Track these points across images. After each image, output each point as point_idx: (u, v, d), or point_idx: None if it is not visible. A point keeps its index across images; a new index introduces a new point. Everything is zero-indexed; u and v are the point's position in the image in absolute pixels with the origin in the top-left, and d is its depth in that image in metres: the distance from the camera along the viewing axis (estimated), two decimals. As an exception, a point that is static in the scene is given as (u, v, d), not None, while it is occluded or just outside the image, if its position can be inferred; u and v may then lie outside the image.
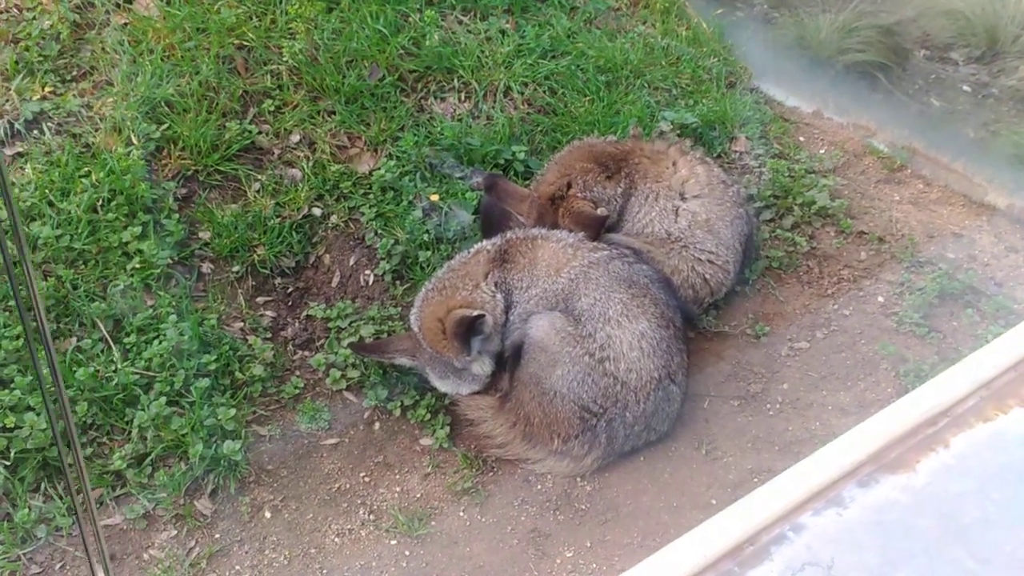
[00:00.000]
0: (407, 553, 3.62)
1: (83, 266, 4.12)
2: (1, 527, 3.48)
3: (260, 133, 4.68)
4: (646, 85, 5.34)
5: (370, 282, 4.44)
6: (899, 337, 4.27)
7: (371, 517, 3.73)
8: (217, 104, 4.65)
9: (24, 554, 3.49)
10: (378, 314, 4.31)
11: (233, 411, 3.84)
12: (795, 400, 4.07)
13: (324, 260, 4.49)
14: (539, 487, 3.85)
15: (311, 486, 3.83)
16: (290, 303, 4.38)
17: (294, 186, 4.58)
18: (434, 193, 4.60)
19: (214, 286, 4.28)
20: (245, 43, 4.88)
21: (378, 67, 4.94)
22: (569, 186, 4.32)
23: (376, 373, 4.10)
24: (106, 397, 3.78)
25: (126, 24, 4.87)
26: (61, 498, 3.61)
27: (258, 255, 4.37)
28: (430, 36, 5.09)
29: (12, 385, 3.70)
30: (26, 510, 3.52)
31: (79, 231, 4.13)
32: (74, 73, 4.70)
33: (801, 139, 5.37)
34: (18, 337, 3.81)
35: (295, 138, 4.72)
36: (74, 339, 3.95)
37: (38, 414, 3.65)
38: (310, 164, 4.63)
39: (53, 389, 3.43)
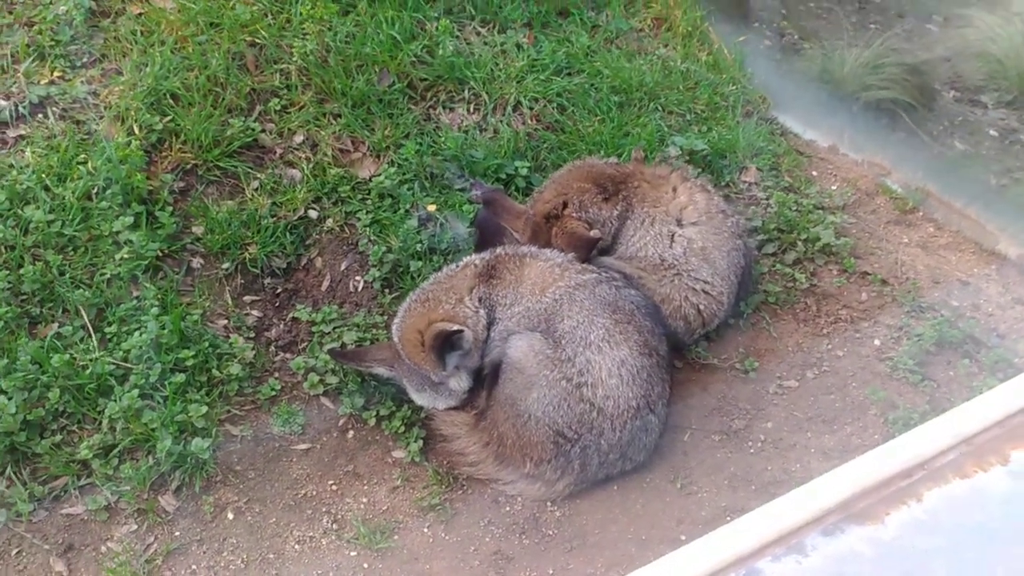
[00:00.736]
0: (366, 566, 3.56)
1: (72, 252, 4.11)
2: (-40, 508, 3.47)
3: (263, 131, 4.66)
4: (660, 108, 5.27)
5: (359, 288, 4.40)
6: (892, 383, 4.16)
7: (334, 526, 3.68)
8: (223, 100, 4.64)
9: (-20, 537, 3.48)
10: (363, 321, 4.27)
11: (205, 408, 3.81)
12: (778, 440, 3.98)
13: (316, 263, 4.45)
14: (507, 509, 3.78)
15: (277, 490, 3.78)
16: (277, 304, 4.34)
17: (293, 187, 4.55)
18: (432, 203, 4.56)
19: (202, 282, 4.26)
20: (257, 40, 4.88)
21: (388, 73, 4.92)
22: (565, 205, 4.25)
23: (354, 381, 4.06)
24: (80, 385, 3.77)
25: (141, 14, 4.89)
26: (25, 484, 3.59)
27: (250, 253, 4.35)
28: (444, 45, 5.05)
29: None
30: (-14, 493, 3.51)
31: (71, 217, 4.13)
32: (84, 60, 4.72)
33: (814, 173, 5.27)
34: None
35: (298, 139, 4.70)
36: (56, 325, 3.94)
37: (9, 398, 3.64)
38: (311, 166, 4.60)
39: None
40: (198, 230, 4.35)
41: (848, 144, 5.49)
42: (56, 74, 4.61)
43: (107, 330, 3.95)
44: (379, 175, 4.62)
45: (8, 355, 3.76)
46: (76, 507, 3.61)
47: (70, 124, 4.43)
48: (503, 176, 4.75)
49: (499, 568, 3.56)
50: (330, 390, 4.07)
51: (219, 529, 3.65)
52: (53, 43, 4.65)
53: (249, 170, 4.54)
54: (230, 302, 4.26)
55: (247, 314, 4.26)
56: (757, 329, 4.45)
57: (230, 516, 3.69)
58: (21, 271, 3.95)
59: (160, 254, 4.21)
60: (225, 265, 4.31)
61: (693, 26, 5.83)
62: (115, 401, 3.75)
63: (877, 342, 4.35)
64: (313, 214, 4.52)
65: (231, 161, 4.52)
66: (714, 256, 4.24)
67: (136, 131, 4.43)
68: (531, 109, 5.03)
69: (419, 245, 4.42)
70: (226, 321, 4.20)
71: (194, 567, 3.53)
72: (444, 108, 4.99)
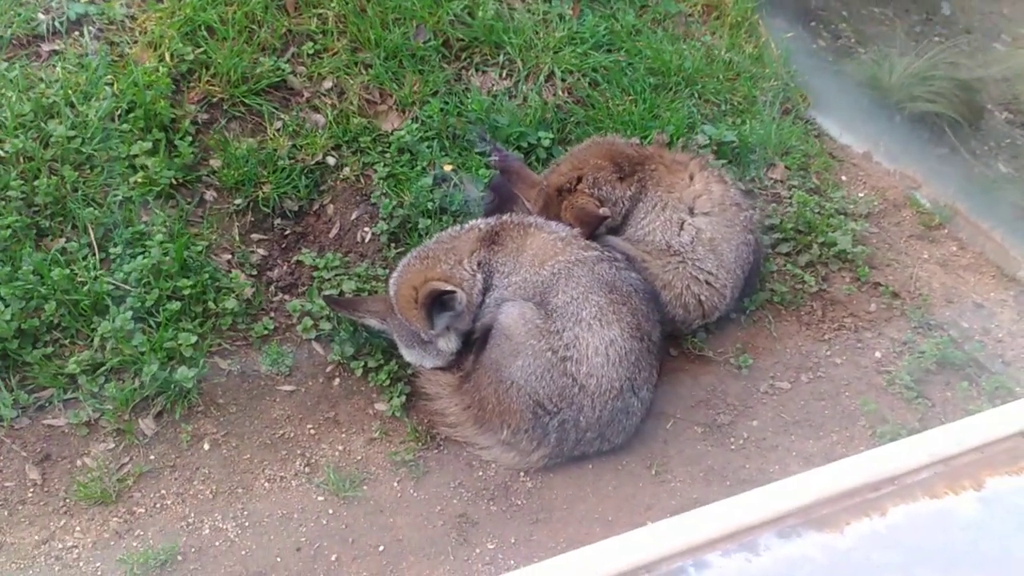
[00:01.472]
0: (331, 511, 3.59)
1: (88, 171, 4.16)
2: (-56, 406, 3.55)
3: (293, 73, 4.67)
4: (696, 95, 5.20)
5: (366, 239, 4.42)
6: (886, 397, 4.10)
7: (306, 469, 3.71)
8: (257, 37, 4.65)
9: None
10: (365, 272, 4.28)
11: (195, 338, 3.85)
12: (761, 439, 3.94)
13: (327, 210, 4.47)
14: (480, 474, 3.79)
15: (256, 428, 3.82)
16: (284, 245, 4.37)
17: (315, 131, 4.56)
18: (449, 163, 4.55)
19: (212, 215, 4.30)
20: (300, -18, 4.88)
21: (424, 29, 4.90)
22: (579, 180, 4.22)
23: (347, 330, 4.07)
24: (77, 301, 3.82)
25: (188, -56, 4.90)
26: (12, 391, 3.65)
27: (263, 192, 4.37)
28: (485, 7, 5.02)
29: (-14, 272, 3.76)
30: (-29, 395, 3.59)
31: (91, 136, 4.17)
32: (127, -17, 4.75)
33: (843, 178, 5.18)
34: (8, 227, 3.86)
35: (327, 84, 4.71)
36: (63, 240, 4.00)
37: (7, 305, 3.70)
38: (335, 112, 4.61)
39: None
40: (215, 163, 4.38)
41: (883, 153, 5.38)
42: (97, -6, 4.66)
43: (112, 251, 4.00)
44: (401, 130, 4.62)
45: (12, 264, 3.83)
46: (58, 419, 3.68)
47: (104, 44, 4.47)
48: (525, 145, 4.72)
49: (462, 531, 3.57)
50: (322, 336, 4.10)
51: (193, 458, 3.70)
52: (98, -37, 4.69)
53: (274, 110, 4.56)
54: (237, 238, 4.29)
55: (252, 252, 4.28)
56: (758, 326, 4.40)
57: (206, 447, 3.74)
58: (36, 183, 4.00)
59: (174, 182, 4.25)
60: (237, 201, 4.34)
61: (743, 16, 5.74)
62: (109, 321, 3.80)
63: (878, 354, 4.28)
64: (331, 161, 4.53)
65: (257, 99, 4.54)
66: (722, 248, 4.19)
67: (167, 59, 4.46)
68: (564, 81, 4.99)
69: (431, 203, 4.42)
70: (230, 256, 4.23)
71: (163, 491, 3.58)
72: (477, 70, 4.96)
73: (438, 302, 3.78)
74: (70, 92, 4.25)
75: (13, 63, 4.30)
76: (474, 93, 4.81)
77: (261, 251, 4.31)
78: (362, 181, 4.53)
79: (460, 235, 3.98)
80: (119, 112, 4.27)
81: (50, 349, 3.77)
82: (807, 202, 4.77)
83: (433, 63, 4.85)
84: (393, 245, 4.40)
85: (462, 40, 4.98)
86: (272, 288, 4.23)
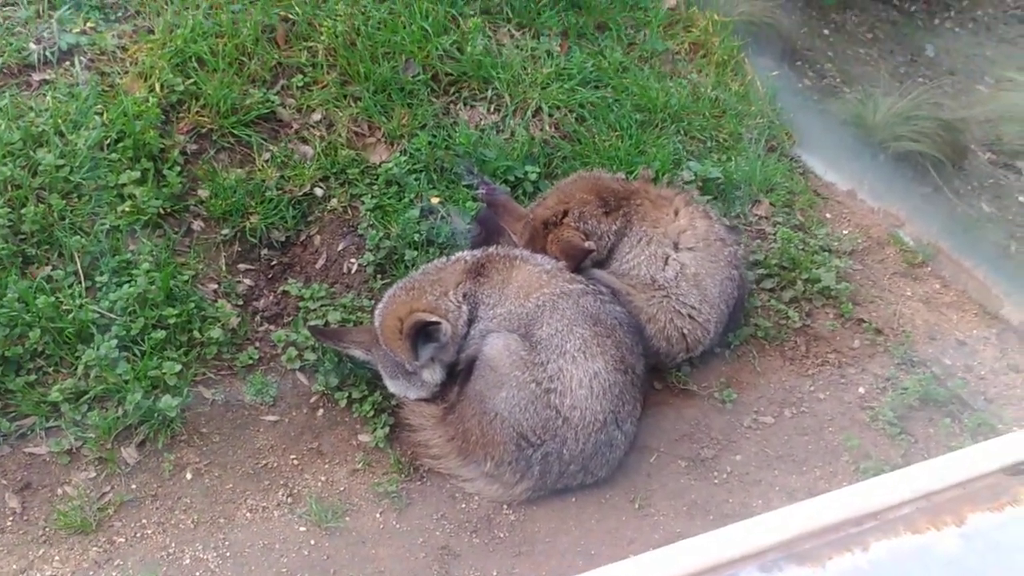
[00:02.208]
0: (312, 542, 3.57)
1: (76, 199, 4.17)
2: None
3: (282, 105, 4.71)
4: (682, 132, 5.26)
5: (352, 270, 4.43)
6: (869, 432, 4.11)
7: (288, 500, 3.70)
8: (247, 69, 4.70)
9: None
10: (351, 303, 4.29)
11: (179, 367, 3.85)
12: (744, 474, 3.94)
13: (314, 240, 4.49)
14: (463, 506, 3.78)
15: (239, 457, 3.81)
16: (270, 275, 4.38)
17: (303, 163, 4.60)
18: (436, 195, 4.58)
19: (200, 244, 4.31)
20: (290, 15, 4.93)
21: (414, 63, 4.95)
22: (565, 214, 4.25)
23: (331, 360, 4.08)
24: (61, 329, 3.82)
25: (181, -23, 4.95)
26: (-6, 418, 3.65)
27: (251, 223, 4.39)
28: (474, 43, 5.07)
29: (-29, 298, 3.76)
30: (-48, 421, 3.58)
31: (80, 164, 4.19)
32: (119, 14, 4.82)
33: (827, 216, 5.23)
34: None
35: (316, 116, 4.75)
36: (48, 267, 4.00)
37: (-7, 331, 3.71)
38: (324, 144, 4.65)
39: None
40: (203, 193, 4.40)
41: (867, 191, 5.44)
42: (89, 24, 4.70)
43: (98, 279, 4.00)
44: (389, 162, 4.65)
45: (-5, 288, 3.83)
46: (40, 447, 3.66)
47: (94, 74, 4.51)
48: (512, 178, 4.76)
49: (444, 563, 3.56)
50: (307, 366, 4.09)
51: (175, 487, 3.68)
52: (91, -6, 4.74)
53: (262, 141, 4.59)
54: (224, 268, 4.30)
55: (239, 281, 4.29)
56: (742, 361, 4.42)
57: (188, 476, 3.72)
58: (23, 210, 4.01)
59: (162, 212, 4.26)
60: (225, 231, 4.36)
61: (729, 55, 5.81)
62: (93, 349, 3.80)
63: (862, 390, 4.30)
64: (319, 192, 4.56)
65: (246, 130, 4.57)
66: (706, 283, 4.22)
67: (157, 89, 4.49)
68: (551, 116, 5.03)
69: (417, 235, 4.44)
70: (216, 285, 4.24)
71: (144, 521, 3.57)
72: (465, 104, 5.01)
73: (423, 333, 3.79)
74: (60, 121, 4.28)
75: (3, 92, 4.33)
76: (462, 127, 4.85)
77: (247, 281, 4.32)
78: (349, 212, 4.55)
79: (446, 267, 4.00)
80: (108, 141, 4.29)
81: (33, 377, 3.76)
82: (791, 238, 4.81)
83: (422, 97, 4.90)
84: (379, 276, 4.41)
85: (451, 75, 5.02)
86: (258, 318, 4.23)
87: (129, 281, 4.01)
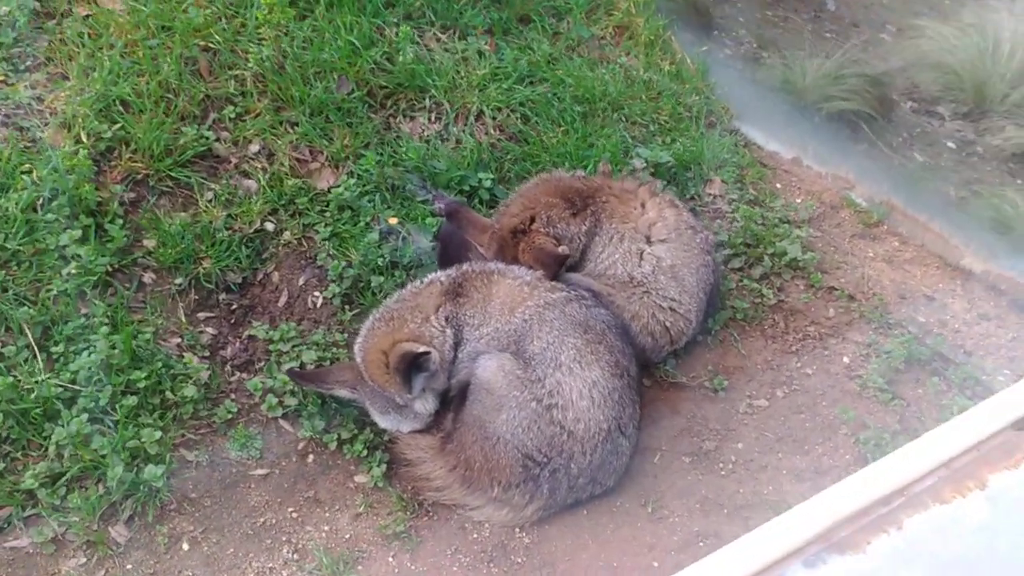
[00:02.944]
0: (329, 598, 3.42)
1: (16, 267, 3.91)
2: None
3: (218, 140, 4.49)
4: (623, 119, 5.19)
5: (318, 304, 4.26)
6: (861, 402, 4.12)
7: (295, 556, 3.54)
8: (175, 107, 4.46)
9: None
10: (323, 340, 4.12)
11: (159, 434, 3.65)
12: (749, 461, 3.91)
13: (272, 278, 4.30)
14: (475, 535, 3.67)
15: (235, 519, 3.63)
16: (233, 321, 4.18)
17: (248, 198, 4.39)
18: (393, 216, 4.43)
19: (154, 298, 4.08)
20: (211, 45, 4.69)
21: (347, 80, 4.77)
22: (532, 220, 4.14)
23: (314, 403, 3.91)
24: (25, 410, 3.58)
25: (88, 16, 4.68)
26: (-32, 513, 3.40)
27: (204, 268, 4.18)
28: (404, 52, 4.91)
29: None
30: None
31: (15, 230, 3.92)
32: (28, 63, 4.50)
33: (778, 186, 5.22)
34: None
35: (254, 148, 4.54)
36: (-1, 345, 3.75)
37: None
38: (267, 176, 4.45)
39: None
40: (150, 243, 4.17)
41: (812, 156, 5.45)
42: (-2, 78, 4.40)
43: (53, 350, 3.76)
44: (338, 186, 4.48)
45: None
46: (21, 540, 3.43)
47: (13, 131, 4.22)
48: (467, 188, 4.63)
49: (468, 599, 3.45)
50: (289, 412, 3.92)
51: (174, 561, 3.49)
52: (-5, 45, 4.44)
53: (203, 180, 4.37)
54: (183, 319, 4.09)
55: (201, 332, 4.09)
56: (725, 346, 4.38)
57: (185, 547, 3.53)
58: (-39, 287, 3.75)
59: (110, 269, 4.02)
60: (178, 280, 4.14)
61: (655, 35, 5.74)
62: (62, 426, 3.57)
63: (846, 359, 4.30)
64: (270, 227, 4.36)
65: (184, 171, 4.34)
66: (683, 274, 4.16)
67: (84, 139, 4.24)
68: (494, 119, 4.91)
69: (380, 259, 4.29)
70: (179, 339, 4.03)
71: (147, 602, 3.37)
72: (405, 117, 4.85)
73: (413, 365, 3.64)
74: (-15, 186, 4.00)
75: (-82, 162, 4.03)
76: (406, 140, 4.70)
77: (210, 330, 4.12)
78: (305, 244, 4.38)
79: (421, 291, 3.86)
80: (41, 201, 4.02)
81: (1, 465, 3.52)
82: (751, 215, 4.79)
83: (360, 114, 4.73)
84: (348, 307, 4.25)
85: (386, 87, 4.86)
86: (228, 368, 4.04)
87: (88, 348, 3.78)
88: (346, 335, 4.14)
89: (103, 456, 3.55)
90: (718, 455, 3.94)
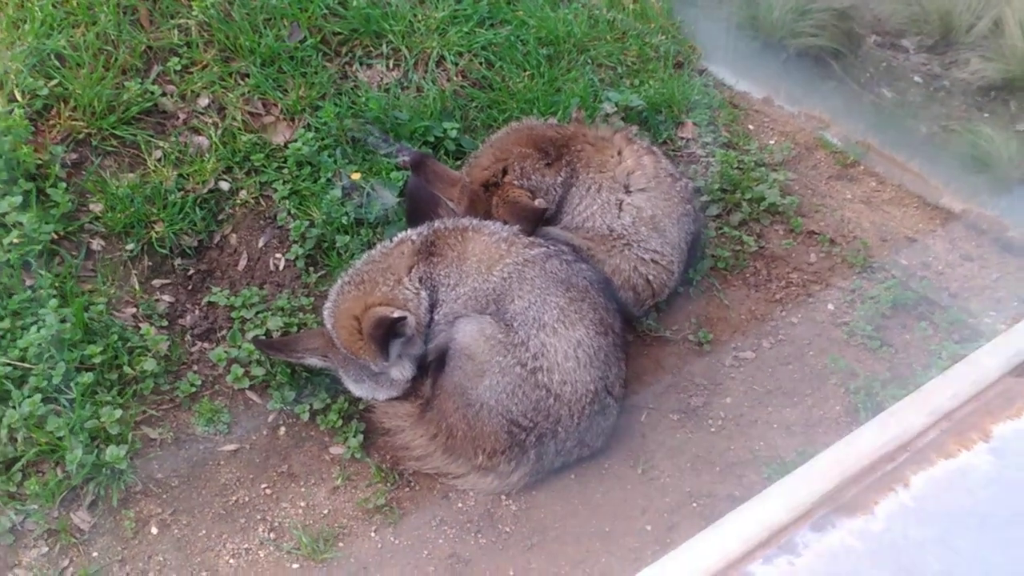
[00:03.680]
0: (309, 579, 3.25)
1: (-48, 240, 3.63)
2: None
3: (164, 95, 4.21)
4: (590, 61, 4.97)
5: (280, 267, 4.03)
6: (849, 350, 4.00)
7: (271, 536, 3.35)
8: (116, 60, 4.16)
9: None
10: (288, 304, 3.90)
11: (119, 412, 3.42)
12: (738, 416, 3.78)
13: (230, 240, 4.05)
14: (459, 505, 3.51)
15: (205, 498, 3.43)
16: (190, 287, 3.94)
17: (200, 156, 4.13)
18: (356, 171, 4.19)
19: (104, 266, 3.82)
20: (150, -8, 4.39)
21: (299, 27, 4.49)
22: (505, 172, 3.94)
23: (283, 372, 3.70)
24: (-29, 393, 3.33)
25: (15, -37, 4.34)
26: (-85, 508, 3.16)
27: (156, 232, 3.92)
28: (357, -6, 4.64)
29: None
30: None
31: (-51, 199, 3.64)
32: (-48, 17, 4.17)
33: (751, 127, 5.06)
34: None
35: (203, 102, 4.26)
36: (-62, 323, 3.48)
37: None
38: (219, 132, 4.18)
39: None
40: (96, 208, 3.89)
41: (783, 96, 5.29)
42: (-80, 33, 4.07)
43: (0, 326, 3.50)
44: (295, 141, 4.23)
45: None
46: (-25, 532, 3.20)
47: (-60, 91, 3.91)
48: (431, 139, 4.40)
49: (456, 572, 3.29)
50: (256, 383, 3.71)
51: (143, 546, 3.29)
52: (-87, -2, 4.09)
53: (150, 138, 4.09)
54: (138, 288, 3.84)
55: (158, 300, 3.84)
56: (708, 297, 4.23)
57: (154, 531, 3.33)
58: None
59: (55, 237, 3.76)
60: (129, 246, 3.87)
61: (617, -29, 5.51)
62: (14, 408, 3.33)
63: (831, 306, 4.18)
64: (224, 186, 4.11)
65: (129, 129, 4.06)
66: (664, 224, 3.99)
67: (18, 97, 3.94)
68: (456, 64, 4.67)
69: (345, 217, 4.06)
70: (135, 309, 3.78)
71: (116, 591, 3.17)
72: (361, 64, 4.59)
73: (389, 331, 3.44)
74: (-87, 152, 3.69)
75: None
76: (365, 90, 4.45)
77: (167, 298, 3.87)
78: (263, 203, 4.13)
79: (392, 251, 3.64)
80: (-24, 167, 3.73)
81: (-50, 453, 3.27)
82: (727, 159, 4.62)
83: (315, 63, 4.46)
84: (312, 269, 4.03)
85: (340, 34, 4.59)
86: (188, 338, 3.80)
87: (36, 322, 3.52)
88: (313, 299, 3.93)
89: (60, 438, 3.32)
90: (707, 411, 3.80)
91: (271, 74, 4.36)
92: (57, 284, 3.65)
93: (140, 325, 3.72)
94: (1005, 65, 5.17)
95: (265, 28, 4.44)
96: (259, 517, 3.40)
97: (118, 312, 3.74)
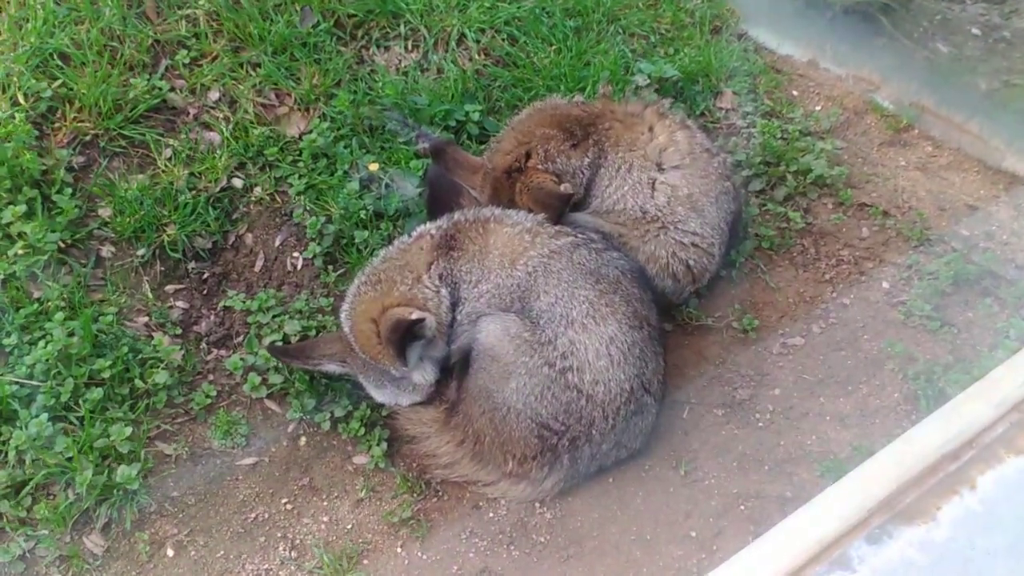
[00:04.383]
0: (333, 600, 3.08)
1: (-45, 252, 3.50)
2: None
3: (172, 90, 4.05)
4: (621, 31, 4.71)
5: (298, 267, 3.85)
6: (907, 332, 3.72)
7: (292, 555, 3.19)
8: (122, 56, 4.00)
9: None
10: (306, 306, 3.72)
11: (129, 429, 3.27)
12: (788, 409, 3.53)
13: (246, 240, 3.88)
14: (490, 515, 3.31)
15: (223, 516, 3.28)
16: (205, 292, 3.78)
17: (212, 152, 3.96)
18: (373, 161, 4.00)
19: (115, 273, 3.68)
20: (155, -17, 4.21)
21: (311, 11, 4.30)
22: (528, 156, 3.70)
23: (302, 379, 3.53)
24: (-23, 414, 3.20)
25: (16, -40, 4.18)
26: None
27: (168, 235, 3.76)
28: (372, -26, 4.42)
29: None
30: None
31: (-49, 211, 3.50)
32: (-48, 19, 4.03)
33: (795, 93, 4.76)
34: None
35: (214, 96, 4.09)
36: (-58, 341, 3.35)
37: None
38: (230, 126, 4.02)
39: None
40: (105, 213, 3.75)
41: (829, 57, 4.97)
42: (-81, 38, 3.93)
43: (5, 342, 3.37)
44: (310, 132, 4.05)
45: None
46: (-16, 560, 3.07)
47: (-59, 98, 3.78)
48: (453, 123, 4.19)
49: (488, 588, 3.10)
50: (275, 391, 3.55)
51: (158, 569, 3.14)
52: (-88, 0, 3.96)
53: (159, 137, 3.93)
54: (150, 295, 3.68)
55: (171, 307, 3.69)
56: (752, 280, 3.98)
57: (170, 552, 3.18)
58: None
59: (62, 245, 3.63)
60: (140, 251, 3.73)
61: (648, -67, 5.22)
62: (21, 428, 3.20)
63: (886, 284, 3.90)
64: (238, 183, 3.94)
65: (137, 128, 3.91)
66: (702, 203, 3.73)
67: (21, 101, 3.80)
68: (478, 42, 4.44)
69: (363, 212, 3.88)
70: (147, 318, 3.63)
71: (132, 619, 3.03)
72: (378, 47, 4.38)
73: (407, 333, 3.24)
74: (-87, 162, 3.56)
75: None
76: (382, 74, 4.25)
77: (181, 304, 3.72)
78: (278, 199, 3.95)
79: (410, 247, 3.43)
80: (-24, 176, 3.59)
81: (-45, 478, 3.15)
82: (769, 129, 4.34)
83: (329, 49, 4.26)
84: (331, 268, 3.86)
85: (355, 16, 4.39)
86: (203, 346, 3.65)
87: (44, 336, 3.39)
88: (332, 299, 3.74)
89: (69, 459, 3.18)
90: (753, 404, 3.56)
91: (283, 62, 4.18)
92: (65, 296, 3.51)
93: (152, 334, 3.58)
94: (1071, 11, 4.82)
95: (276, 14, 4.26)
96: (279, 535, 3.24)
97: (130, 321, 3.59)
